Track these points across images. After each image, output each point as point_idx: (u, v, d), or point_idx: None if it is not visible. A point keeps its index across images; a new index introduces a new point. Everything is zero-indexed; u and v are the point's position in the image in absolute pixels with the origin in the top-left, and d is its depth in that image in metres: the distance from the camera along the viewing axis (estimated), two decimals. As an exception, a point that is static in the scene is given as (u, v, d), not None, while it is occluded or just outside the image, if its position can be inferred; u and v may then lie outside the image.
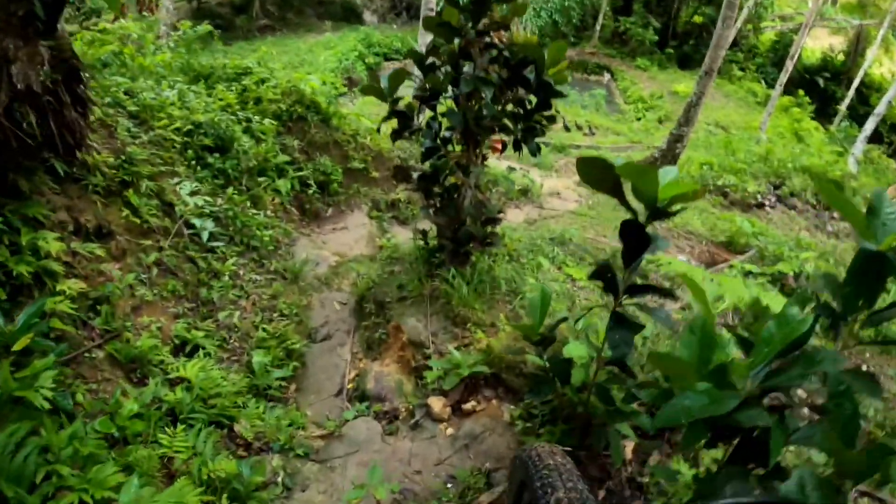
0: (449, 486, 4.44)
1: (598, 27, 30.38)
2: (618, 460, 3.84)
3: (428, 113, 5.78)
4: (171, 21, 19.85)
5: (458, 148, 5.84)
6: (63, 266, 4.64)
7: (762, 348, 2.32)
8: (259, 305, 6.40)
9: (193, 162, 7.48)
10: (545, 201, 11.76)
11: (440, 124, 5.75)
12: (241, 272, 6.66)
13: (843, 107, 26.74)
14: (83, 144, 5.23)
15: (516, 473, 3.43)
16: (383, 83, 5.51)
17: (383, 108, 5.86)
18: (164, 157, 6.79)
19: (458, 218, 5.94)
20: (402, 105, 5.70)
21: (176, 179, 6.84)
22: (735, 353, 3.67)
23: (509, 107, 5.68)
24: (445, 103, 5.90)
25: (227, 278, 6.38)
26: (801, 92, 27.14)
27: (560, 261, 8.01)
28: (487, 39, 5.33)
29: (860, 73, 25.94)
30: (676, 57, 30.64)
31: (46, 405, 3.51)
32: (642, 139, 18.37)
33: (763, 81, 30.17)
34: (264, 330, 6.03)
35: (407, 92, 5.71)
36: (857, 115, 26.66)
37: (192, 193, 6.81)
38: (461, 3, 5.18)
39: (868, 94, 29.46)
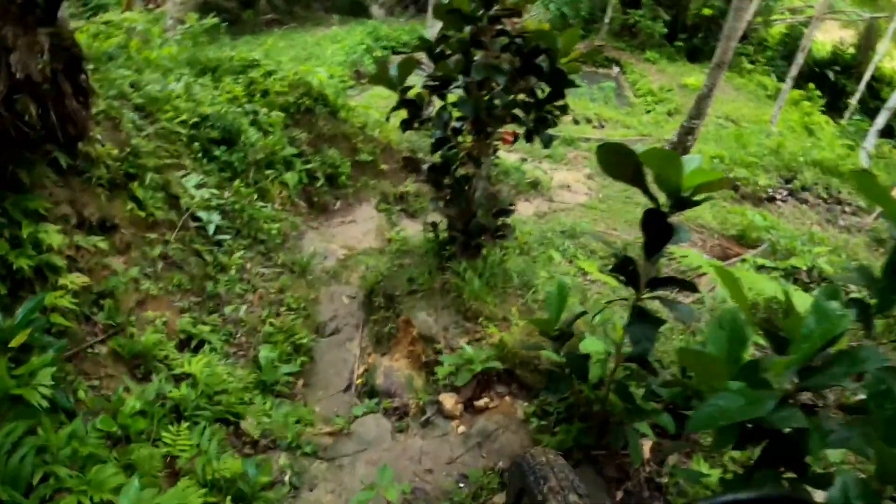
0: (461, 485, 4.32)
1: (606, 20, 30.13)
2: (637, 460, 3.71)
3: (438, 103, 5.65)
4: (177, 14, 19.74)
5: (468, 138, 5.72)
6: (65, 260, 4.57)
7: (801, 345, 2.18)
8: (266, 299, 6.32)
9: (200, 154, 7.38)
10: (555, 194, 11.61)
11: (450, 114, 5.62)
12: (248, 266, 6.58)
13: (853, 101, 26.50)
14: (85, 135, 5.12)
15: (515, 480, 3.44)
16: (392, 72, 5.38)
17: (391, 102, 5.75)
18: (169, 150, 6.69)
19: (469, 210, 5.82)
20: (411, 94, 5.58)
21: (182, 172, 6.74)
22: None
23: (521, 96, 5.55)
24: (456, 94, 5.79)
25: (233, 272, 6.30)
26: (811, 85, 26.92)
27: (571, 254, 7.90)
28: (499, 27, 5.20)
29: (871, 67, 25.65)
30: (686, 50, 30.39)
31: (45, 403, 3.40)
32: (652, 132, 18.15)
33: (773, 75, 29.93)
34: (271, 324, 5.95)
35: (416, 82, 5.59)
36: (868, 109, 26.39)
37: (199, 186, 6.72)
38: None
39: (879, 87, 29.16)
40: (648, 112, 22.62)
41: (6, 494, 2.97)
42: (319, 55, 23.00)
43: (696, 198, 2.89)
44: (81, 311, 4.53)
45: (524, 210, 10.18)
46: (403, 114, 5.65)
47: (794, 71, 20.35)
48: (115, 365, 4.50)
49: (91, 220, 5.12)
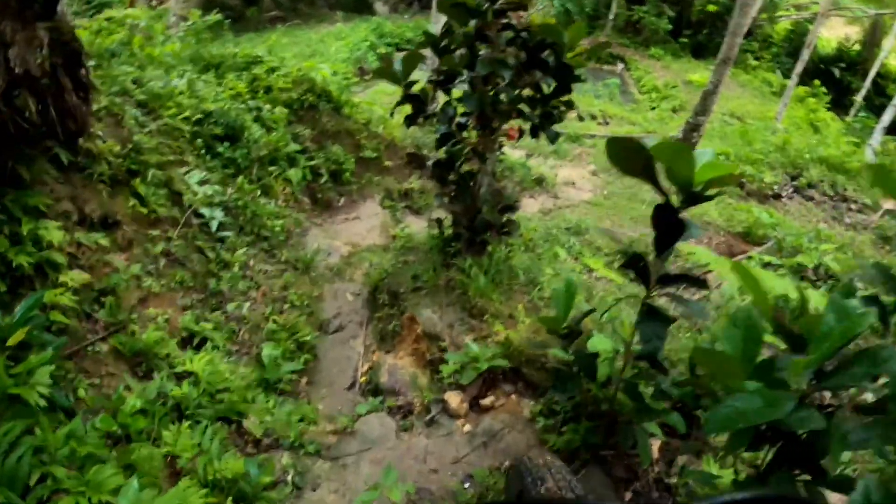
0: (466, 485, 4.27)
1: (611, 16, 30.03)
2: (646, 460, 3.65)
3: (442, 98, 5.59)
4: (180, 11, 19.71)
5: (473, 134, 5.66)
6: (66, 257, 4.52)
7: (820, 344, 2.12)
8: (269, 297, 6.27)
9: (203, 151, 7.33)
10: (560, 191, 11.56)
11: (455, 110, 5.56)
12: (252, 263, 6.53)
13: (859, 97, 26.37)
14: (85, 131, 5.07)
15: (513, 482, 3.48)
16: (396, 67, 5.32)
17: (395, 98, 5.69)
18: (172, 146, 6.64)
19: (474, 206, 5.76)
20: (416, 90, 5.52)
21: (185, 168, 6.69)
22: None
23: (526, 91, 5.49)
24: (460, 89, 5.73)
25: (236, 269, 6.24)
26: (816, 82, 26.78)
27: (576, 251, 7.85)
28: (505, 20, 5.14)
29: (876, 64, 25.53)
30: (690, 46, 30.25)
31: (42, 403, 3.34)
32: (657, 129, 18.05)
33: (778, 71, 29.81)
34: (275, 322, 5.89)
35: (421, 77, 5.54)
36: (874, 106, 26.27)
37: (202, 183, 6.66)
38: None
39: (884, 84, 29.04)
40: (653, 109, 22.54)
41: (3, 496, 2.91)
42: (323, 52, 22.96)
43: (708, 193, 2.83)
44: (82, 308, 4.49)
45: (529, 207, 10.11)
46: (407, 109, 5.59)
47: (799, 68, 20.26)
48: (116, 363, 4.45)
49: (92, 216, 5.07)
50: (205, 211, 6.38)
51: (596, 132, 16.59)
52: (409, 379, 5.40)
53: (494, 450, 4.48)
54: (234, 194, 7.01)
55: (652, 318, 3.28)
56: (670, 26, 30.05)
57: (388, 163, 10.16)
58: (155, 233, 5.66)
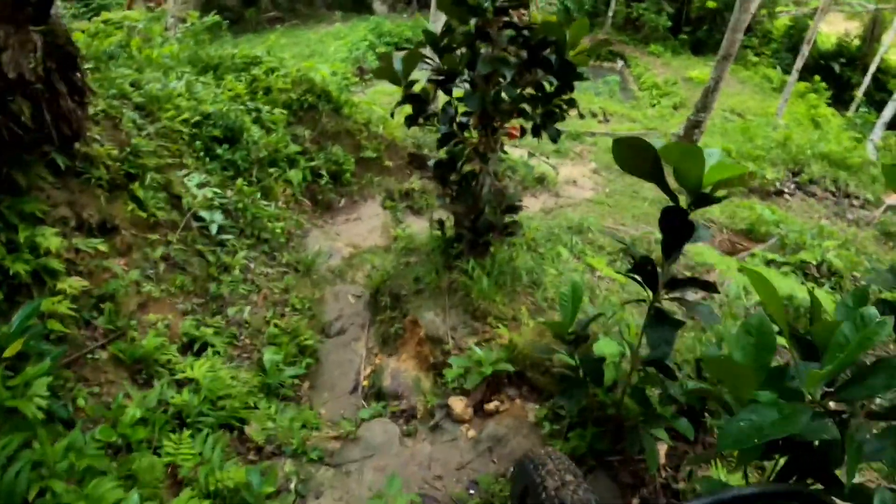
0: (471, 492, 4.21)
1: (610, 13, 30.02)
2: (653, 466, 3.58)
3: (443, 97, 5.53)
4: (178, 13, 19.64)
5: (474, 134, 5.61)
6: (64, 263, 4.47)
7: (835, 353, 2.05)
8: (271, 300, 6.22)
9: (202, 153, 7.29)
10: (561, 189, 11.51)
11: (456, 109, 5.50)
12: (252, 266, 6.48)
13: (859, 93, 26.31)
14: (81, 135, 5.01)
15: (518, 478, 3.38)
16: (396, 67, 5.26)
17: (395, 98, 5.63)
18: (171, 149, 6.59)
19: (477, 206, 5.70)
20: (416, 89, 5.46)
21: (184, 171, 6.65)
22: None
23: (528, 90, 5.43)
24: (461, 88, 5.67)
25: (237, 272, 6.20)
26: (817, 77, 26.73)
27: (579, 250, 7.78)
28: (506, 18, 5.08)
29: (876, 59, 25.48)
30: (690, 43, 30.25)
31: (40, 415, 3.28)
32: (658, 126, 17.99)
33: (778, 67, 29.76)
34: (276, 325, 5.85)
35: (421, 77, 5.48)
36: (874, 102, 26.28)
37: (201, 185, 6.61)
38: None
39: (885, 79, 29.01)
40: (653, 106, 22.50)
41: (1, 513, 2.87)
42: (322, 52, 22.96)
43: (718, 194, 2.77)
44: (81, 315, 4.43)
45: (531, 206, 10.06)
46: (408, 109, 5.53)
47: (799, 63, 20.19)
48: (116, 370, 4.39)
49: (90, 221, 5.01)
50: (204, 214, 6.33)
51: (596, 130, 16.54)
52: (411, 383, 5.35)
53: (499, 455, 4.43)
54: (233, 197, 6.97)
55: (660, 322, 3.22)
56: (670, 23, 30.05)
57: (388, 163, 10.13)
58: (154, 237, 5.61)
